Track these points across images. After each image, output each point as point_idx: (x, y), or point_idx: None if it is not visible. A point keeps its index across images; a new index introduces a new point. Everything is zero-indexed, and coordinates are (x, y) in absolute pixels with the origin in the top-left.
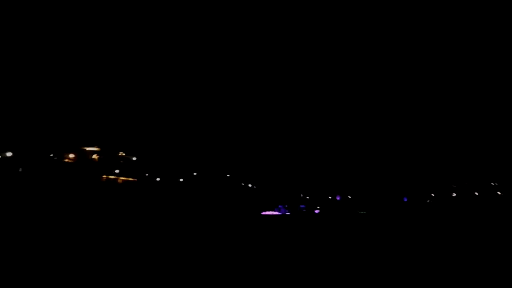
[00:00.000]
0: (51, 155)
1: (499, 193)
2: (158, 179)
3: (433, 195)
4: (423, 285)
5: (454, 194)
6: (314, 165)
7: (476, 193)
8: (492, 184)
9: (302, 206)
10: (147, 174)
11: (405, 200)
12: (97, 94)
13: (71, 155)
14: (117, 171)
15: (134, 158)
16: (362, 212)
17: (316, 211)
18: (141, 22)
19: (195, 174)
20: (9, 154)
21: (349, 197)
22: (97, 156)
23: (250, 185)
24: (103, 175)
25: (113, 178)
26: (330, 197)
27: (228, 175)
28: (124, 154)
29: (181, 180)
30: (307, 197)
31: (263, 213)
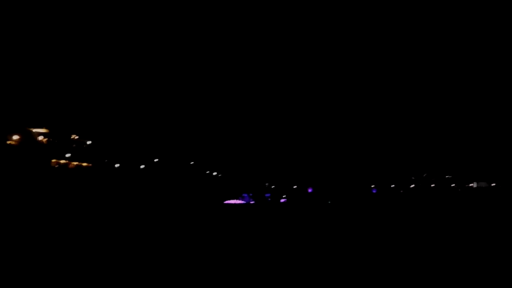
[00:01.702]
0: None
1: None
2: (117, 165)
3: (393, 185)
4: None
5: (414, 185)
6: (279, 154)
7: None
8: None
9: (267, 195)
10: (106, 160)
11: (374, 191)
12: (45, 68)
13: (16, 137)
14: (68, 155)
15: (89, 142)
16: (328, 202)
17: (282, 200)
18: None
19: (156, 160)
20: None
21: (316, 187)
22: (46, 139)
23: (214, 173)
24: (53, 159)
25: (64, 163)
26: (295, 187)
27: (191, 162)
28: (77, 137)
29: (142, 166)
30: (272, 186)
31: (226, 201)
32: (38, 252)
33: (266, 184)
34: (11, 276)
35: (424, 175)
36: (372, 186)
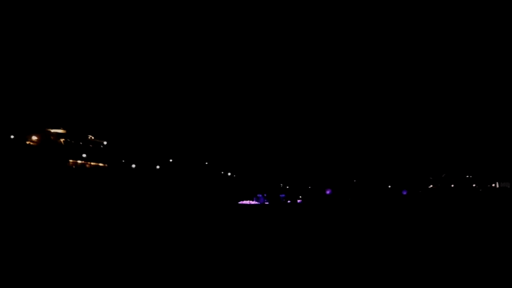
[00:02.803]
0: (12, 137)
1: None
2: (133, 165)
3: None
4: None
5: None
6: (294, 154)
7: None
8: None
9: (282, 195)
10: (122, 160)
11: (404, 193)
12: (63, 71)
13: (35, 137)
14: (84, 155)
15: (105, 142)
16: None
17: (299, 201)
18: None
19: (171, 160)
20: None
21: (333, 188)
22: (63, 139)
23: (229, 174)
24: (70, 159)
25: (81, 163)
26: (310, 187)
27: (206, 163)
28: (93, 138)
29: (158, 167)
30: (287, 187)
31: (241, 202)
32: (55, 250)
33: (281, 184)
34: (23, 273)
35: (443, 175)
36: (402, 188)
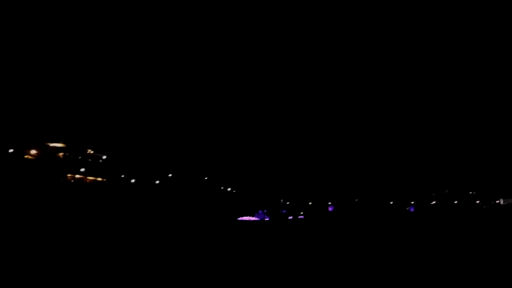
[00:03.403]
0: (11, 151)
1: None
2: (133, 180)
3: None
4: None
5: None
6: (294, 170)
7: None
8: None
9: (283, 211)
10: (122, 176)
11: (411, 210)
12: (61, 84)
13: (33, 151)
14: (83, 169)
15: (104, 157)
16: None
17: (301, 217)
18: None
19: (170, 175)
20: None
21: (335, 204)
22: (62, 153)
23: (228, 189)
24: (69, 174)
25: (80, 178)
26: (311, 203)
27: (205, 178)
28: (92, 152)
29: (157, 182)
30: (288, 202)
31: (240, 218)
32: (53, 265)
33: (282, 200)
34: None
35: (446, 191)
36: (412, 203)
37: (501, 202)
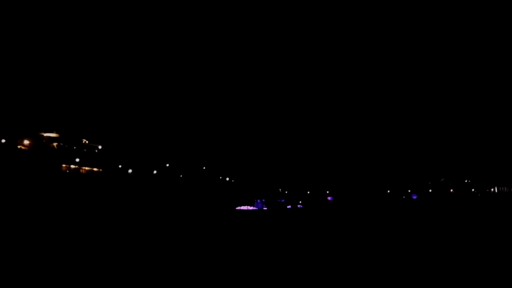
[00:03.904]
0: (3, 141)
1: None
2: (130, 170)
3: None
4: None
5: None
6: (293, 159)
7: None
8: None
9: (281, 200)
10: (118, 166)
11: (414, 197)
12: (54, 73)
13: (27, 141)
14: (78, 160)
15: (100, 147)
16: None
17: (299, 206)
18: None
19: (168, 165)
20: None
21: (333, 194)
22: (56, 143)
23: (227, 179)
24: (63, 164)
25: (75, 168)
26: (309, 192)
27: (204, 167)
28: (87, 142)
29: (155, 172)
30: (286, 192)
31: (239, 208)
32: (47, 255)
33: (280, 189)
34: (17, 276)
35: (442, 179)
36: (409, 191)
37: (496, 190)
